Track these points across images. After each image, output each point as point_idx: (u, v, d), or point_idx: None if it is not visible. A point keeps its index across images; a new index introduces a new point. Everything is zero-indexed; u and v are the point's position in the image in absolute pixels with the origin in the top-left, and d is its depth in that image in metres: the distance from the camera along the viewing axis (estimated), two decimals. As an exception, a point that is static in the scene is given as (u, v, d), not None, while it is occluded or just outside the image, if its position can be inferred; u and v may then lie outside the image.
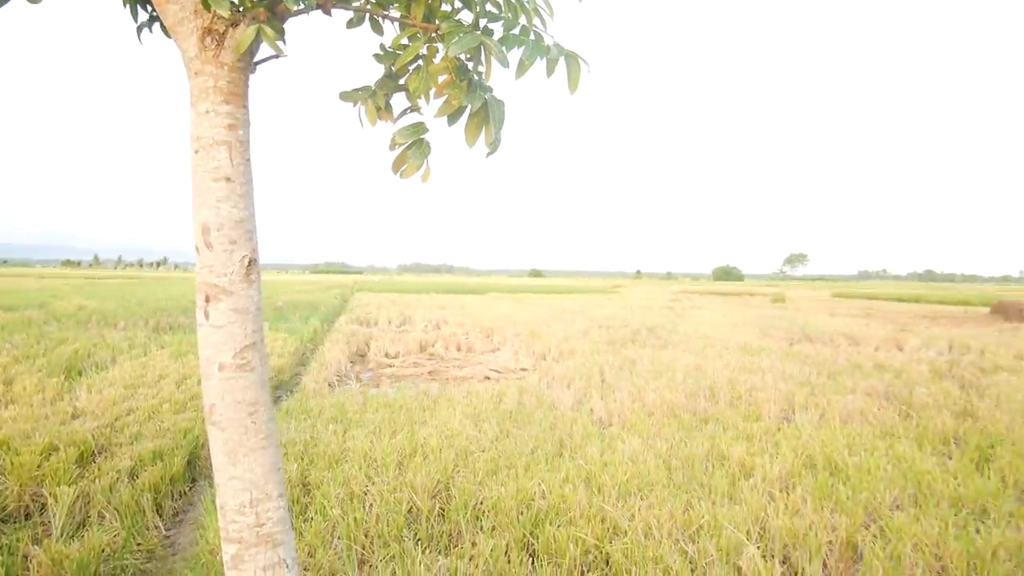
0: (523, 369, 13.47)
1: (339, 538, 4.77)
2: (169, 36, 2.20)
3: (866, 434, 7.82)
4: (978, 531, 4.94)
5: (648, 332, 20.11)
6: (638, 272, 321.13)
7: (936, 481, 6.04)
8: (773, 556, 4.68)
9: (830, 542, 4.81)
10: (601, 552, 4.62)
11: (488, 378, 12.43)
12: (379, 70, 2.37)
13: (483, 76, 2.12)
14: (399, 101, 3.00)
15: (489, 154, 2.08)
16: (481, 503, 5.41)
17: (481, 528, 5.01)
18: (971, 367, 13.60)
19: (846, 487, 5.79)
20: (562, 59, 2.03)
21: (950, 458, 7.03)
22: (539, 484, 5.69)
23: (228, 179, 2.13)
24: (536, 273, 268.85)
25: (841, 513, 5.24)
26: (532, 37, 2.10)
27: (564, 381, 11.16)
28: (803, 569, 4.44)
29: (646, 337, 18.64)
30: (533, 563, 4.56)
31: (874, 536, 4.92)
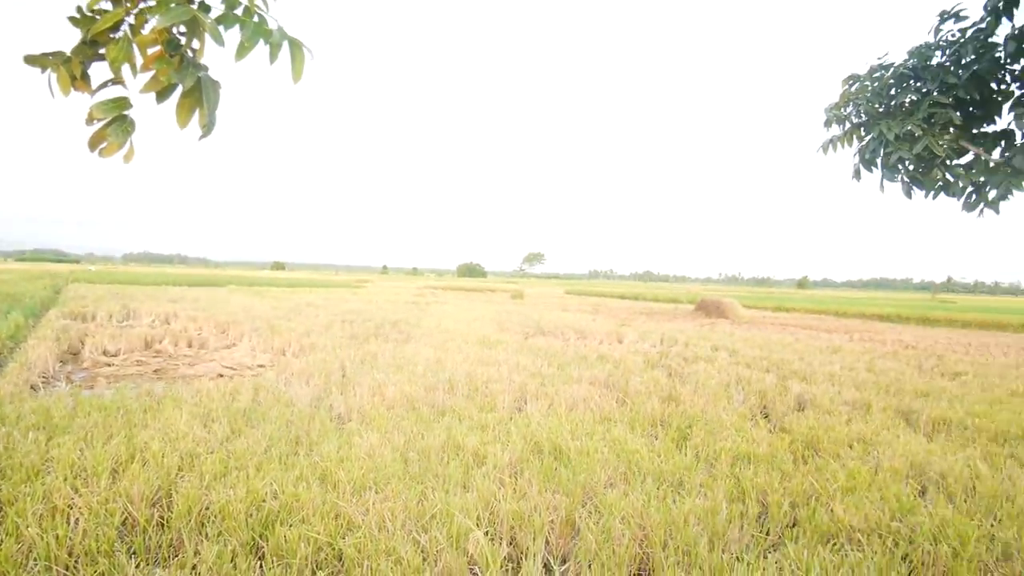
0: (260, 365, 12.89)
1: (36, 560, 4.26)
2: None
3: (588, 420, 8.49)
4: (675, 501, 5.57)
5: (391, 327, 20.19)
6: (385, 267, 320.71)
7: (643, 460, 6.71)
8: (501, 539, 4.93)
9: (552, 521, 5.16)
10: (334, 549, 4.57)
11: (221, 375, 11.74)
12: (76, 35, 2.14)
13: (197, 53, 1.99)
14: (101, 71, 2.71)
15: (202, 137, 1.95)
16: (207, 508, 5.11)
17: (206, 535, 4.73)
18: (676, 357, 15.30)
19: (567, 469, 6.24)
20: (286, 45, 1.96)
21: (656, 438, 7.84)
22: (271, 484, 5.49)
23: None
24: (279, 266, 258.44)
25: (562, 494, 5.64)
26: (256, 19, 2.02)
27: (303, 377, 10.86)
28: (527, 548, 4.72)
29: (389, 331, 18.70)
30: (261, 566, 4.40)
31: (590, 512, 5.36)
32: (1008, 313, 45.78)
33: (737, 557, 4.77)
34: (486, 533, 4.95)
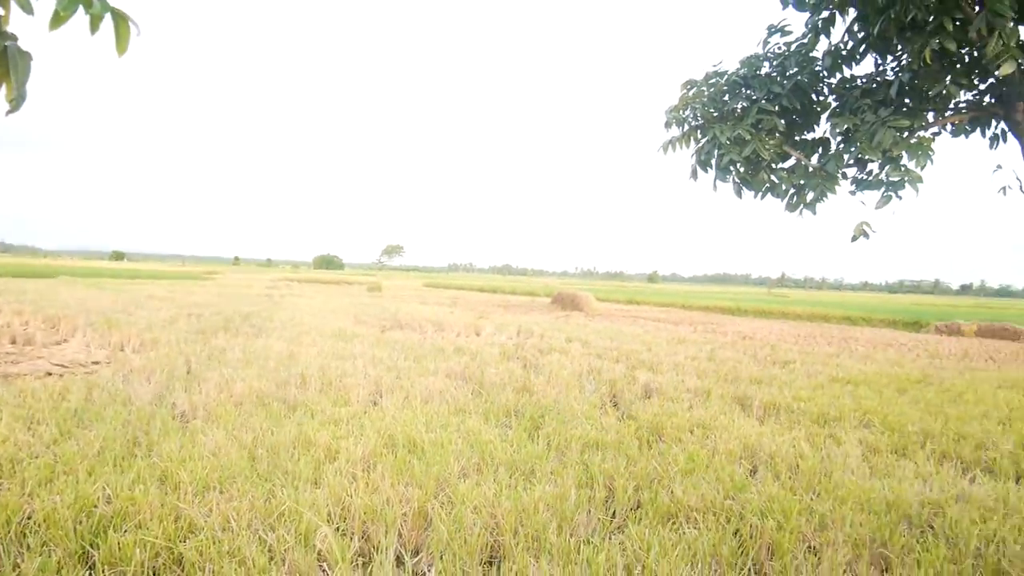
0: (95, 362, 12.03)
1: None
2: None
3: (443, 412, 8.53)
4: (526, 489, 5.70)
5: (242, 320, 19.41)
6: (236, 258, 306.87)
7: (497, 450, 6.82)
8: (353, 534, 4.87)
9: (405, 514, 5.15)
10: (173, 553, 4.36)
11: (50, 374, 10.87)
12: None
13: (2, 21, 1.83)
14: None
15: (10, 112, 1.79)
16: (29, 517, 4.73)
17: (27, 546, 4.38)
18: (532, 349, 15.64)
19: (421, 462, 6.25)
20: (108, 16, 1.84)
21: (510, 428, 7.99)
22: (104, 488, 5.16)
23: None
24: (118, 255, 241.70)
25: (416, 486, 5.64)
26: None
27: (144, 374, 10.25)
28: (379, 542, 4.69)
29: (240, 325, 17.97)
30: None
31: (443, 504, 5.39)
32: (831, 307, 49.84)
33: (585, 540, 4.95)
34: (337, 529, 4.88)
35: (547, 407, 9.03)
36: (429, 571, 4.48)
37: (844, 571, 4.60)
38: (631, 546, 4.78)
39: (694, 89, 4.07)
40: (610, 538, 5.05)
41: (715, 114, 4.02)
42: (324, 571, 4.39)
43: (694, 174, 4.12)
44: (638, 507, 5.73)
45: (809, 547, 5.00)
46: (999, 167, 3.92)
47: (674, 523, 5.34)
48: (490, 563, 4.68)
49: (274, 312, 23.01)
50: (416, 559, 4.69)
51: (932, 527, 5.52)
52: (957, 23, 3.26)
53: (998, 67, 3.18)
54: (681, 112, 4.03)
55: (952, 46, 3.24)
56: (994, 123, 4.15)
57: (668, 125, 4.11)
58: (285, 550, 4.43)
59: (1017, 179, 3.82)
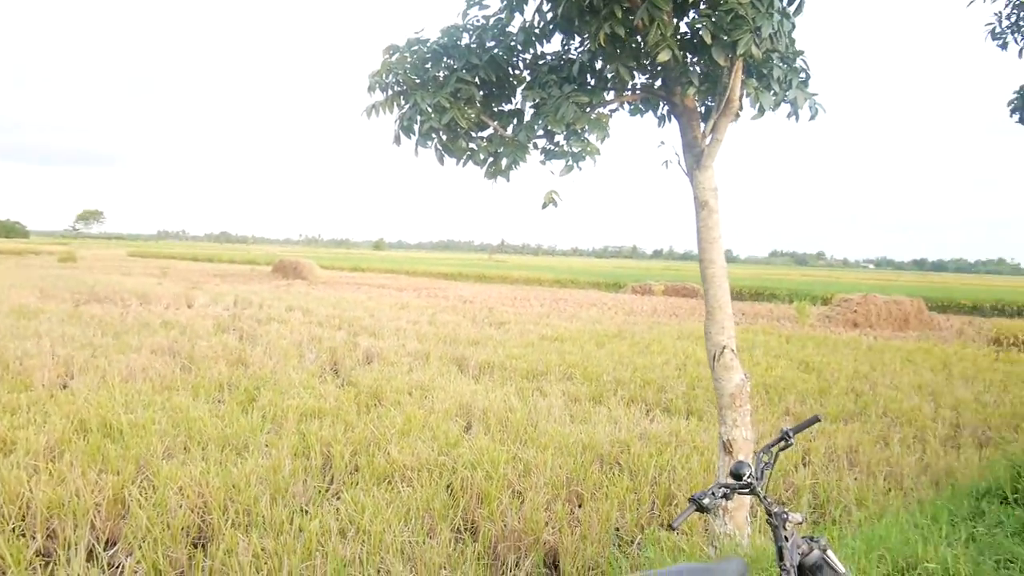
0: None
1: None
2: None
3: (146, 390, 7.91)
4: (236, 464, 5.48)
5: None
6: None
7: (207, 426, 6.48)
8: (34, 532, 4.38)
9: (98, 503, 4.72)
10: None
11: None
12: None
13: None
14: None
15: None
16: None
17: None
18: (249, 319, 14.98)
19: (118, 445, 5.76)
20: None
21: (223, 403, 7.61)
22: None
23: None
24: None
25: (111, 472, 5.20)
26: None
27: None
28: (68, 537, 4.26)
29: None
30: None
31: (142, 488, 5.01)
32: (545, 271, 53.49)
33: (302, 509, 4.90)
34: (13, 530, 4.35)
35: (264, 378, 8.73)
36: (127, 561, 4.16)
37: (544, 510, 5.02)
38: (346, 510, 4.81)
39: (396, 55, 4.11)
40: (326, 504, 5.04)
41: (417, 81, 4.10)
42: (-3, 577, 3.90)
43: (397, 140, 4.18)
44: (356, 470, 5.78)
45: (514, 491, 5.38)
46: (663, 143, 4.48)
47: (390, 483, 5.46)
48: (196, 545, 4.46)
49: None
50: (112, 550, 4.33)
51: (620, 463, 6.21)
52: (626, 11, 3.64)
53: (657, 54, 3.61)
54: (384, 77, 4.05)
55: (621, 31, 3.61)
56: (662, 105, 4.72)
57: (371, 90, 4.11)
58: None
59: (676, 154, 4.38)
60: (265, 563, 4.06)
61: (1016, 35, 7.75)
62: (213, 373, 8.86)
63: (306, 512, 4.82)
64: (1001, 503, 5.14)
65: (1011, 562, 3.98)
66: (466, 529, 4.88)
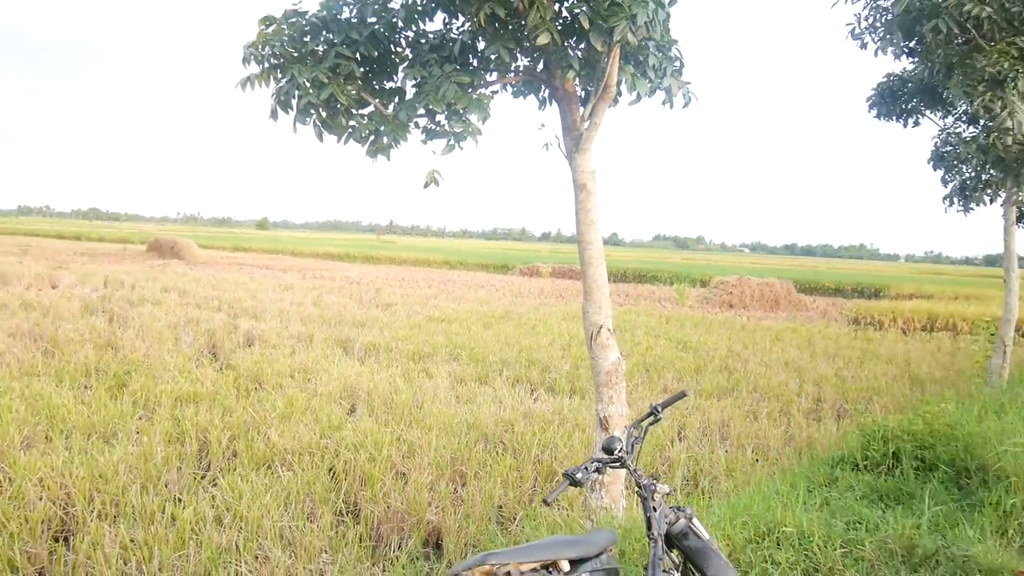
0: None
1: None
2: None
3: (3, 376, 7.40)
4: (104, 453, 5.22)
5: None
6: None
7: (71, 413, 6.13)
8: None
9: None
10: None
11: None
12: None
13: None
14: None
15: None
16: None
17: None
18: (121, 301, 14.19)
19: (-33, 437, 5.37)
20: None
21: (89, 389, 7.21)
22: None
23: None
24: None
25: (-41, 467, 4.84)
26: None
27: None
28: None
29: None
30: None
31: (-2, 481, 4.71)
32: (434, 252, 53.22)
33: (175, 497, 4.73)
34: None
35: (135, 363, 8.32)
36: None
37: (428, 490, 5.04)
38: (222, 496, 4.68)
39: (273, 26, 3.97)
40: (202, 492, 4.88)
41: (295, 55, 3.98)
42: None
43: (274, 114, 4.05)
44: (234, 456, 5.61)
45: (398, 473, 5.37)
46: (543, 126, 4.53)
47: (270, 468, 5.34)
48: (58, 539, 4.23)
49: None
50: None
51: (504, 442, 6.29)
52: (507, -8, 3.65)
53: (537, 37, 3.66)
54: (260, 49, 3.91)
55: (502, 13, 3.63)
56: (543, 88, 4.77)
57: (246, 61, 3.96)
58: None
59: (556, 137, 4.45)
60: (134, 554, 3.90)
61: (873, 36, 8.27)
62: (79, 357, 8.37)
63: (180, 500, 4.65)
64: (852, 470, 5.54)
65: (859, 523, 4.31)
66: (348, 512, 4.84)
